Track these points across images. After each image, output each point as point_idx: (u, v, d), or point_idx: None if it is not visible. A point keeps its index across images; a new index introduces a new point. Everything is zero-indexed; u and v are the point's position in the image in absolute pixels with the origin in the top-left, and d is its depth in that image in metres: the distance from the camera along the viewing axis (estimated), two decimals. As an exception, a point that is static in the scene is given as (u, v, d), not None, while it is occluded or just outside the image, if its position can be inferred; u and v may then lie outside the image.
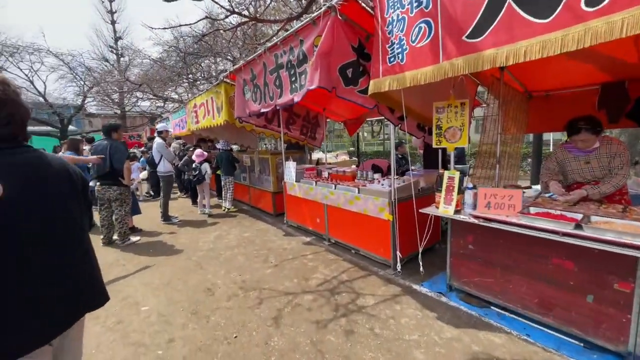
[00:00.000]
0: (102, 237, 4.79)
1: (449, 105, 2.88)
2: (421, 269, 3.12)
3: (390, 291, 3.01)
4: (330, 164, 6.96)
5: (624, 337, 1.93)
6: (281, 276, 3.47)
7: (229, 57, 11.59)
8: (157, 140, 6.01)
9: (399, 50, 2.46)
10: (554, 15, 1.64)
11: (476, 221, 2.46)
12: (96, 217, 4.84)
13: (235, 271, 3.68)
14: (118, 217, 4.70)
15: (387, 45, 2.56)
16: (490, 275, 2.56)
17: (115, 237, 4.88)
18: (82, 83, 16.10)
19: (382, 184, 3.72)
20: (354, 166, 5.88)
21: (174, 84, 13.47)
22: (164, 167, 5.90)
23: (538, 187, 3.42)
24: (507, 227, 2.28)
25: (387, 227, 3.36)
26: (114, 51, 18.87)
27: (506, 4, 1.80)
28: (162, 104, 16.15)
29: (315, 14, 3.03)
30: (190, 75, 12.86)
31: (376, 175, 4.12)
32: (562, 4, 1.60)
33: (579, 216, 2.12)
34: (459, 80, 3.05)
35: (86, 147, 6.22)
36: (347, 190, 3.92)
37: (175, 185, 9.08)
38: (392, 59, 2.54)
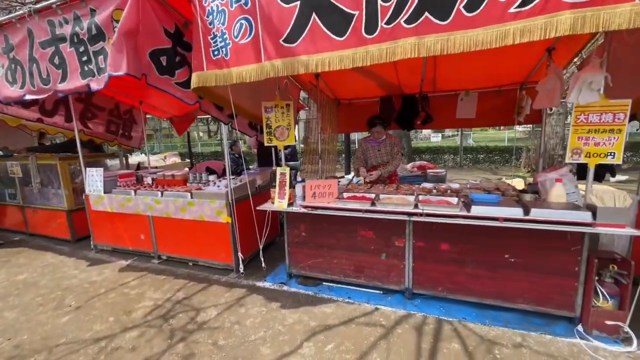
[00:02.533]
0: None
1: (276, 106, 3.06)
2: (263, 264, 3.19)
3: (235, 295, 2.88)
4: (156, 167, 5.93)
5: (403, 278, 2.69)
6: (87, 320, 2.61)
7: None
8: None
9: (222, 44, 2.34)
10: (345, 36, 2.00)
11: (305, 210, 2.75)
12: None
13: (0, 336, 2.45)
14: None
15: (209, 37, 2.38)
16: (320, 256, 2.94)
17: None
18: None
19: (219, 186, 3.52)
20: (186, 169, 5.27)
21: None
22: None
23: (349, 176, 4.27)
24: (328, 211, 2.69)
25: (226, 230, 3.20)
26: None
27: (312, 18, 2.05)
28: None
29: (111, -21, 2.42)
30: None
31: (211, 177, 3.86)
32: (350, 27, 1.98)
33: (373, 196, 2.77)
34: (284, 83, 3.30)
35: None
36: (177, 196, 3.43)
37: None
38: (216, 53, 2.38)
